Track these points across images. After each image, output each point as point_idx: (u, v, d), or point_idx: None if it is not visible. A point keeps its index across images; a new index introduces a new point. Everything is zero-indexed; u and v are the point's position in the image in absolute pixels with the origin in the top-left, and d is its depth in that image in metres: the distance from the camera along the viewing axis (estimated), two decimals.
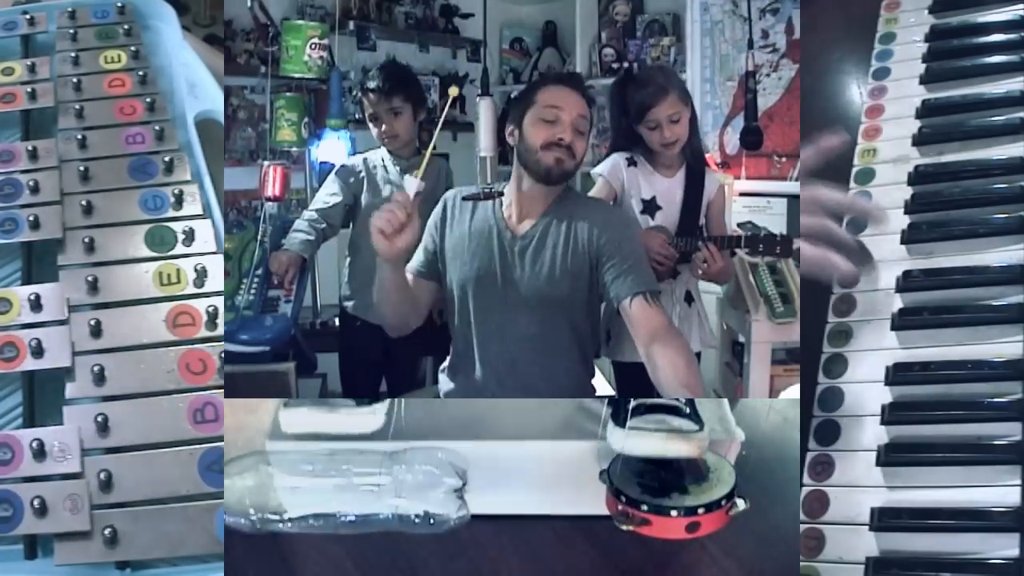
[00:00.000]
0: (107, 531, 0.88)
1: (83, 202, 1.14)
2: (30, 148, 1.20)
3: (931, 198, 1.02)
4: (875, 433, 0.89)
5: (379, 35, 3.16)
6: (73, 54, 1.35)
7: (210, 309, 1.04)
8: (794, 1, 2.72)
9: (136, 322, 1.03)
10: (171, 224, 1.13)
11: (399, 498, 0.97)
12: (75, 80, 1.31)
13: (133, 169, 1.20)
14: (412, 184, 1.17)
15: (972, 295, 0.93)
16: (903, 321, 0.94)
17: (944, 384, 0.89)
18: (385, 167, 2.04)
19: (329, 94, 2.44)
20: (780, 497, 1.01)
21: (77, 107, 1.27)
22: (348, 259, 2.14)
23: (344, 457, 1.01)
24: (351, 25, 3.02)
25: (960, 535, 0.81)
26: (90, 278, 1.06)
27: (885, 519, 0.83)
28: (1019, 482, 0.82)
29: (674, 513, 0.89)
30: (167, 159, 1.20)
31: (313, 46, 2.42)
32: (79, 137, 1.22)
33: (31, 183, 1.16)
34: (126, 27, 1.41)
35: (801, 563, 0.84)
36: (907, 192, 1.03)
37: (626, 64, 3.19)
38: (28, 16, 1.41)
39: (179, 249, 1.11)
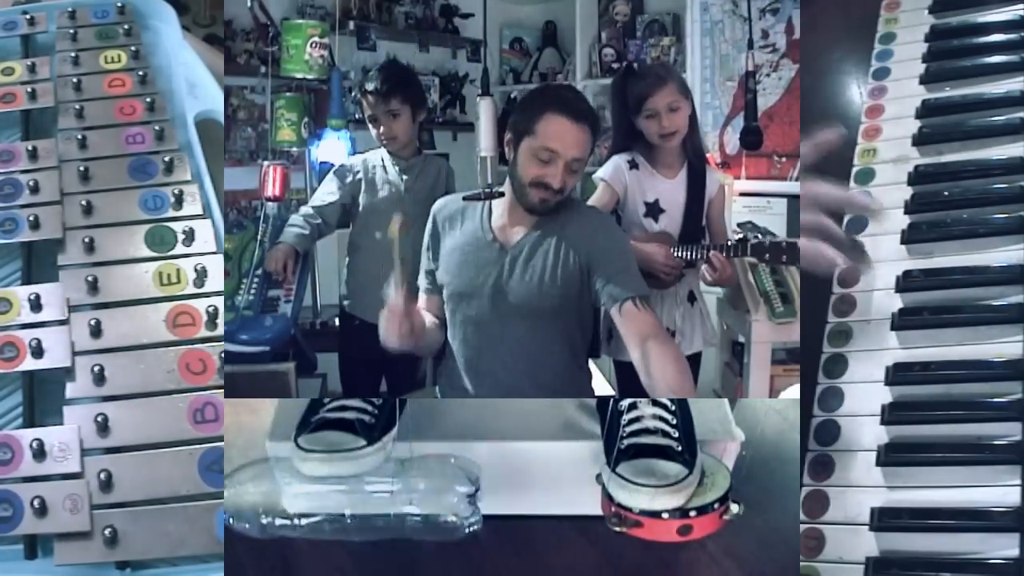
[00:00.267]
0: (107, 531, 0.88)
1: (83, 202, 1.14)
2: (30, 148, 1.20)
3: (931, 198, 1.02)
4: (875, 433, 0.89)
5: (379, 35, 3.16)
6: (73, 54, 1.35)
7: (210, 309, 1.04)
8: (794, 1, 2.72)
9: (136, 322, 1.03)
10: (171, 224, 1.13)
11: (411, 505, 0.97)
12: (75, 80, 1.31)
13: (133, 169, 1.20)
14: (392, 289, 1.26)
15: (972, 295, 0.93)
16: (903, 321, 0.94)
17: (944, 384, 0.89)
18: (384, 167, 2.03)
19: (329, 94, 2.44)
20: (780, 497, 1.01)
21: (77, 107, 1.27)
22: (347, 259, 2.14)
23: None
24: (351, 25, 3.02)
25: (960, 535, 0.81)
26: (90, 278, 1.06)
27: (885, 519, 0.83)
28: (1019, 482, 0.82)
29: (665, 516, 0.89)
30: (167, 159, 1.20)
31: (313, 45, 2.42)
32: (79, 137, 1.22)
33: (31, 183, 1.16)
34: (126, 27, 1.41)
35: (801, 563, 0.84)
36: (907, 192, 1.03)
37: (626, 63, 3.19)
38: (28, 16, 1.41)
39: (179, 249, 1.11)
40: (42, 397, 1.00)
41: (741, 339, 2.26)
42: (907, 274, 0.97)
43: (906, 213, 1.02)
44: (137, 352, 1.01)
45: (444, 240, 1.45)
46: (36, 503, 0.88)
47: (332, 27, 2.54)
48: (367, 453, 0.98)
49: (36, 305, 1.03)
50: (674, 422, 0.98)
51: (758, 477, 1.05)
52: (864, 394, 0.91)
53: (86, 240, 1.10)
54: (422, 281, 1.50)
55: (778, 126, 2.78)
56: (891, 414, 0.89)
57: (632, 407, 1.00)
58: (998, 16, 1.15)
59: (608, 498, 0.92)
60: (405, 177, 2.01)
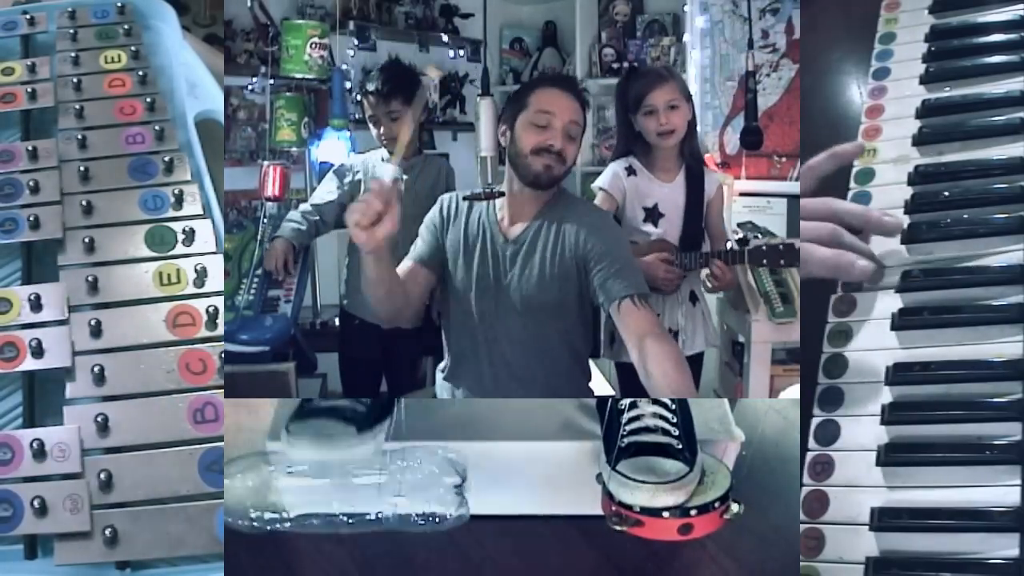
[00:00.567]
0: (107, 531, 0.88)
1: (83, 202, 1.14)
2: (30, 148, 1.20)
3: (931, 198, 1.01)
4: (875, 433, 0.88)
5: (379, 35, 3.16)
6: (73, 54, 1.35)
7: (210, 309, 1.04)
8: (794, 1, 2.72)
9: (136, 322, 1.03)
10: (171, 224, 1.13)
11: (399, 496, 0.97)
12: (75, 80, 1.31)
13: (133, 169, 1.20)
14: (388, 170, 1.11)
15: (972, 295, 0.93)
16: (903, 321, 0.94)
17: (944, 384, 0.89)
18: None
19: (330, 94, 2.44)
20: (780, 497, 1.01)
21: (77, 107, 1.27)
22: (347, 259, 2.14)
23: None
24: (351, 25, 3.03)
25: (960, 535, 0.81)
26: (90, 278, 1.06)
27: (885, 519, 0.83)
28: (1019, 482, 0.81)
29: (666, 514, 0.89)
30: (167, 159, 1.20)
31: (313, 46, 2.42)
32: (79, 137, 1.22)
33: (31, 183, 1.16)
34: (126, 27, 1.41)
35: (801, 563, 0.84)
36: (907, 192, 1.03)
37: (626, 64, 3.20)
38: (28, 16, 1.41)
39: (179, 249, 1.11)
40: (42, 397, 1.00)
41: (741, 339, 2.26)
42: (907, 274, 0.97)
43: (906, 213, 1.01)
44: (137, 352, 1.01)
45: (448, 231, 1.45)
46: (36, 503, 0.88)
47: (332, 27, 2.54)
48: (356, 442, 0.98)
49: (36, 305, 1.03)
50: (674, 420, 0.98)
51: (758, 477, 1.05)
52: (864, 394, 0.91)
53: (86, 240, 1.10)
54: (417, 249, 1.46)
55: (778, 126, 2.78)
56: (891, 414, 0.88)
57: (632, 406, 1.00)
58: (998, 16, 1.15)
59: (608, 497, 0.92)
60: (405, 177, 2.01)
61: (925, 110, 1.09)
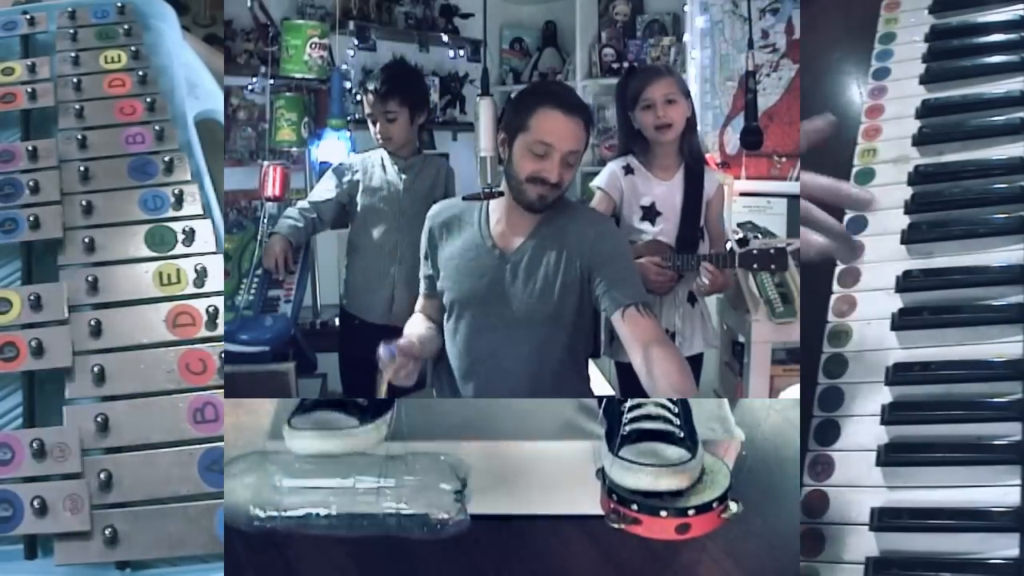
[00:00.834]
0: (107, 531, 0.88)
1: (83, 202, 1.14)
2: (30, 148, 1.20)
3: (931, 198, 1.02)
4: (875, 433, 0.89)
5: (379, 35, 3.16)
6: (73, 54, 1.35)
7: (210, 309, 1.04)
8: (794, 1, 2.73)
9: (136, 322, 1.03)
10: (171, 224, 1.13)
11: (399, 502, 0.97)
12: (75, 80, 1.31)
13: (133, 169, 1.20)
14: (388, 351, 1.29)
15: (972, 295, 0.93)
16: (903, 321, 0.94)
17: (944, 384, 0.89)
18: (384, 167, 2.04)
19: (329, 94, 2.44)
20: (780, 497, 1.01)
21: (77, 107, 1.27)
22: (346, 259, 2.14)
23: (346, 460, 1.01)
24: (351, 25, 3.03)
25: (960, 535, 0.81)
26: (90, 278, 1.06)
27: (885, 519, 0.83)
28: (1019, 482, 0.82)
29: (664, 513, 0.89)
30: (167, 159, 1.20)
31: (313, 46, 2.42)
32: (79, 137, 1.22)
33: (31, 183, 1.16)
34: (126, 27, 1.41)
35: (801, 563, 0.84)
36: (907, 192, 1.03)
37: (626, 64, 3.20)
38: (28, 16, 1.41)
39: (179, 249, 1.11)
40: (42, 397, 1.00)
41: (741, 339, 2.26)
42: (907, 274, 0.97)
43: (906, 213, 1.02)
44: (137, 352, 1.01)
45: (442, 247, 1.44)
46: (36, 503, 0.88)
47: (332, 27, 2.54)
48: (359, 432, 0.98)
49: (36, 305, 1.03)
50: (676, 411, 0.99)
51: (758, 477, 1.05)
52: (864, 394, 0.91)
53: (86, 240, 1.10)
54: (421, 286, 1.49)
55: (778, 126, 2.78)
56: (891, 414, 0.89)
57: (633, 402, 1.00)
58: (998, 16, 1.15)
59: (608, 494, 0.92)
60: (404, 176, 2.01)
61: (925, 110, 1.09)
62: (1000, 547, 0.79)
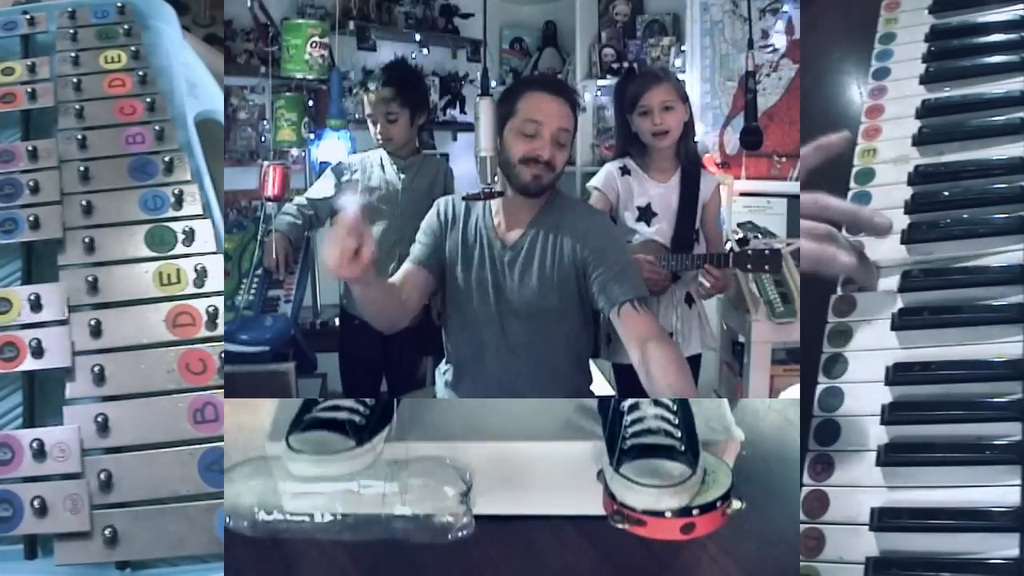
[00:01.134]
0: (107, 531, 0.88)
1: (83, 202, 1.14)
2: (30, 148, 1.20)
3: (931, 198, 1.01)
4: (875, 433, 0.88)
5: (379, 35, 3.16)
6: (73, 54, 1.35)
7: (210, 309, 1.04)
8: (794, 1, 2.73)
9: (136, 322, 1.03)
10: (171, 224, 1.13)
11: (404, 505, 0.97)
12: (75, 80, 1.31)
13: (133, 169, 1.20)
14: (352, 200, 1.15)
15: (972, 295, 0.93)
16: (903, 321, 0.94)
17: (944, 384, 0.89)
18: (383, 166, 2.04)
19: (329, 94, 2.44)
20: (780, 497, 1.01)
21: (77, 107, 1.27)
22: None
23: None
24: (351, 25, 3.02)
25: (960, 535, 0.81)
26: (90, 278, 1.06)
27: (885, 519, 0.83)
28: (1019, 482, 0.81)
29: (668, 514, 0.89)
30: (167, 159, 1.20)
31: (313, 45, 2.42)
32: (79, 137, 1.22)
33: (31, 183, 1.16)
34: (126, 27, 1.41)
35: (801, 563, 0.84)
36: (907, 192, 1.03)
37: (626, 64, 3.20)
38: (28, 16, 1.41)
39: (179, 249, 1.11)
40: (42, 397, 1.00)
41: (741, 339, 2.26)
42: (907, 274, 0.97)
43: (906, 213, 1.01)
44: (137, 352, 1.01)
45: (447, 236, 1.44)
46: (36, 503, 0.88)
47: (332, 27, 2.54)
48: (356, 454, 0.98)
49: (36, 305, 1.03)
50: (676, 422, 0.98)
51: (758, 477, 1.05)
52: (864, 394, 0.91)
53: (86, 240, 1.10)
54: (417, 251, 1.45)
55: (778, 126, 2.78)
56: (891, 414, 0.89)
57: (634, 407, 1.00)
58: (998, 16, 1.15)
59: (610, 496, 0.92)
60: (403, 176, 2.01)
61: (925, 110, 1.09)
62: (1000, 547, 0.79)
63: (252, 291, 1.95)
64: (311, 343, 2.32)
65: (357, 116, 2.66)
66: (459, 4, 3.47)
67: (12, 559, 0.89)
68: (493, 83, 2.83)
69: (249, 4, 2.55)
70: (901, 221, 1.01)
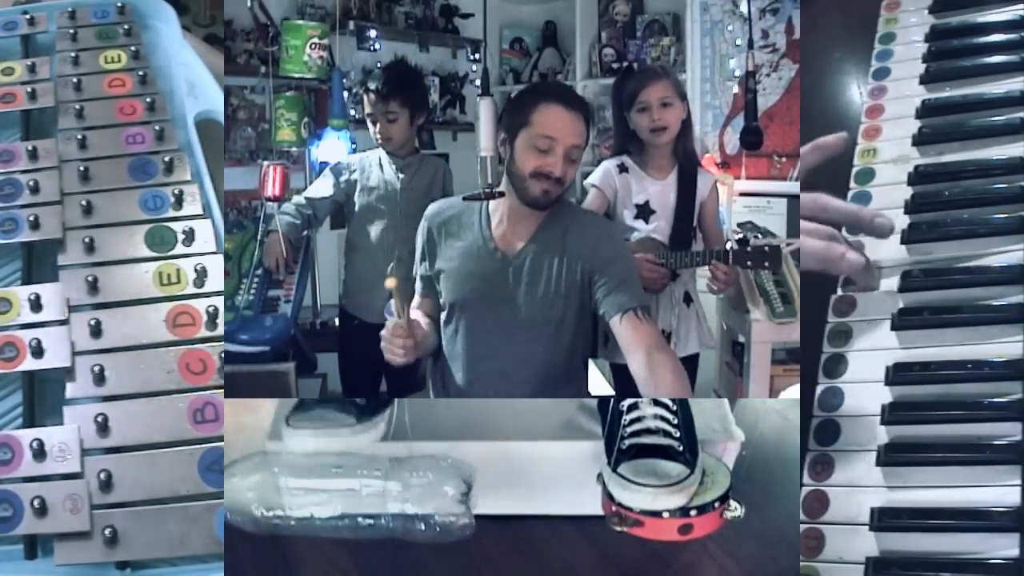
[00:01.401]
0: (107, 531, 0.88)
1: (83, 202, 1.14)
2: (30, 148, 1.20)
3: (931, 198, 1.01)
4: (875, 433, 0.88)
5: (379, 35, 3.16)
6: (73, 54, 1.35)
7: (210, 309, 1.04)
8: (794, 1, 2.73)
9: (136, 322, 1.03)
10: (171, 224, 1.13)
11: (404, 504, 0.97)
12: (75, 80, 1.31)
13: (133, 169, 1.20)
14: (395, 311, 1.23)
15: (972, 295, 0.93)
16: (903, 321, 0.94)
17: (944, 384, 0.89)
18: (381, 166, 2.04)
19: (330, 94, 2.44)
20: (780, 497, 1.01)
21: (77, 107, 1.27)
22: (346, 259, 2.14)
23: (351, 462, 1.01)
24: (351, 25, 3.03)
25: (960, 535, 0.81)
26: (90, 278, 1.06)
27: (885, 519, 0.83)
28: (1019, 482, 0.82)
29: (666, 515, 0.89)
30: (167, 159, 1.20)
31: (313, 46, 2.42)
32: (79, 137, 1.22)
33: (31, 183, 1.16)
34: (126, 27, 1.41)
35: (801, 563, 0.84)
36: (907, 192, 1.03)
37: (626, 64, 3.20)
38: (28, 16, 1.41)
39: (179, 249, 1.11)
40: (42, 397, 1.00)
41: (741, 339, 2.26)
42: (907, 274, 0.97)
43: (906, 213, 1.01)
44: (137, 352, 1.01)
45: (442, 247, 1.42)
46: (36, 503, 0.88)
47: (332, 27, 2.54)
48: (357, 430, 0.98)
49: (36, 305, 1.03)
50: (675, 422, 0.98)
51: (758, 477, 1.05)
52: (864, 394, 0.91)
53: (86, 240, 1.10)
54: (417, 286, 1.47)
55: (778, 126, 2.78)
56: (891, 414, 0.89)
57: (633, 407, 1.00)
58: (998, 16, 1.15)
59: (609, 497, 0.92)
60: (402, 176, 2.01)
61: (925, 110, 1.09)
62: (1000, 547, 0.79)
63: (252, 291, 1.95)
64: (311, 343, 2.32)
65: (357, 116, 2.66)
66: (459, 4, 3.48)
67: (12, 559, 0.89)
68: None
69: (249, 4, 2.54)
70: (901, 221, 1.01)
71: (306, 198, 2.05)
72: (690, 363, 1.81)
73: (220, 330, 1.04)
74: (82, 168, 1.18)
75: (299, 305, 2.01)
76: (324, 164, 2.46)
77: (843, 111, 1.14)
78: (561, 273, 1.36)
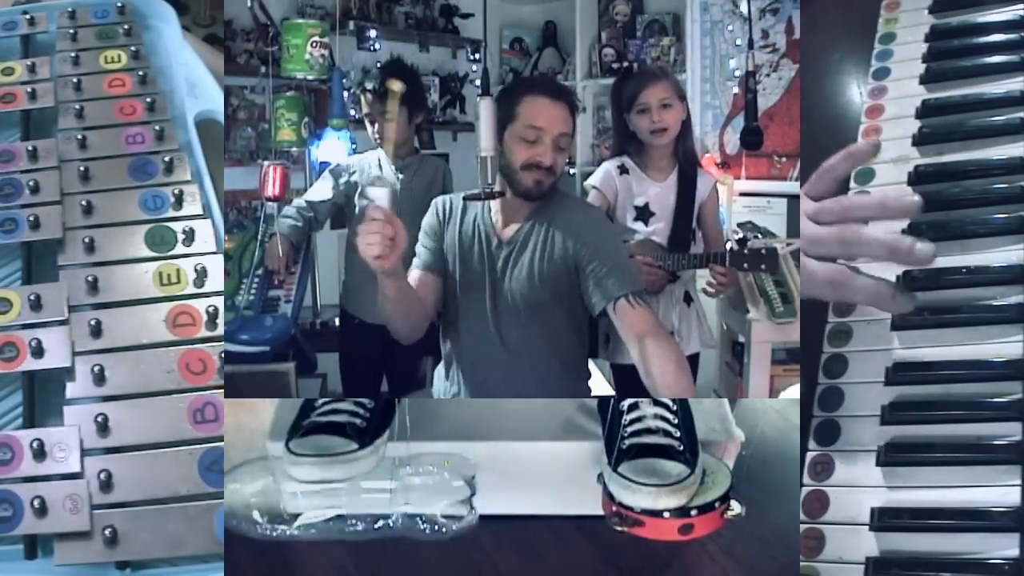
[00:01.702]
0: (107, 531, 0.88)
1: (83, 202, 1.14)
2: (30, 148, 1.20)
3: (931, 198, 1.01)
4: (875, 433, 0.88)
5: (379, 35, 3.16)
6: (73, 54, 1.35)
7: (210, 309, 1.04)
8: (794, 1, 2.73)
9: (136, 322, 1.03)
10: (171, 224, 1.13)
11: (407, 504, 0.97)
12: (75, 80, 1.31)
13: (133, 169, 1.20)
14: (383, 194, 1.17)
15: (972, 295, 0.93)
16: (903, 321, 0.94)
17: (944, 384, 0.89)
18: (380, 166, 2.04)
19: (330, 94, 2.44)
20: (780, 497, 1.01)
21: (77, 107, 1.27)
22: (346, 259, 2.14)
23: None
24: (351, 25, 3.03)
25: (960, 535, 0.81)
26: (90, 278, 1.06)
27: (885, 519, 0.83)
28: (1019, 482, 0.81)
29: (667, 515, 0.89)
30: (167, 159, 1.20)
31: (315, 44, 2.42)
32: (79, 137, 1.22)
33: (31, 183, 1.16)
34: (126, 27, 1.41)
35: (801, 563, 0.84)
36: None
37: (626, 64, 3.20)
38: (28, 16, 1.41)
39: (179, 249, 1.11)
40: (42, 397, 1.00)
41: (741, 339, 2.26)
42: (907, 274, 0.97)
43: None
44: (137, 352, 1.01)
45: (445, 233, 1.45)
46: (36, 503, 0.88)
47: (332, 27, 2.54)
48: (359, 456, 0.98)
49: (36, 305, 1.03)
50: (675, 422, 0.98)
51: (758, 477, 1.05)
52: (864, 394, 0.91)
53: (86, 240, 1.10)
54: (420, 257, 1.46)
55: (778, 126, 2.78)
56: (891, 414, 0.88)
57: (633, 407, 1.00)
58: (998, 16, 1.15)
59: (609, 497, 0.92)
60: (401, 176, 2.02)
61: (925, 110, 1.09)
62: (1000, 547, 0.79)
63: (252, 291, 1.96)
64: (311, 343, 2.32)
65: (357, 116, 2.66)
66: (459, 4, 3.48)
67: (12, 559, 0.89)
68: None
69: (249, 4, 2.54)
70: (901, 221, 1.01)
71: (307, 201, 2.06)
72: (692, 362, 1.81)
73: (220, 330, 1.04)
74: (82, 168, 1.18)
75: (299, 305, 2.01)
76: (324, 164, 2.46)
77: (843, 111, 1.14)
78: (544, 259, 1.38)
